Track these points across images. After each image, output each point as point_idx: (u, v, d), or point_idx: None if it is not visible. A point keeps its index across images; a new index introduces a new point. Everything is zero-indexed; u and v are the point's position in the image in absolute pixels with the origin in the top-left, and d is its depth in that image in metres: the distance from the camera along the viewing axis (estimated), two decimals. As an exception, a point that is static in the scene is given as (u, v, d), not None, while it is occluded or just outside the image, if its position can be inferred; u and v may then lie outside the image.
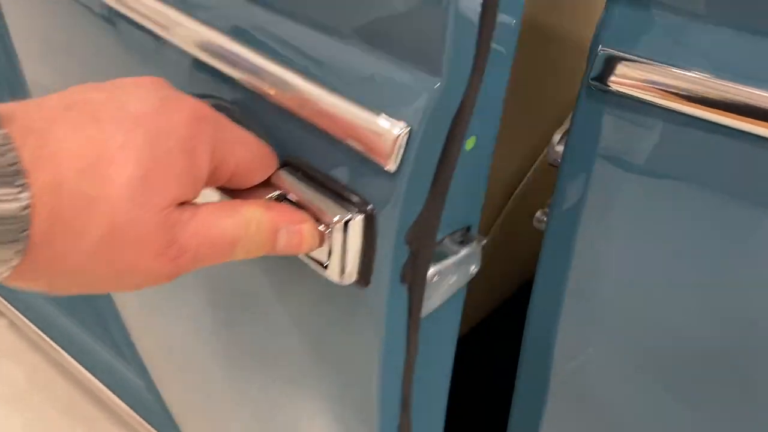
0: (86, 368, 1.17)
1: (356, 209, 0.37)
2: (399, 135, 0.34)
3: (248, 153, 0.37)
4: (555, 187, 0.44)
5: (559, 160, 0.45)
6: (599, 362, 0.47)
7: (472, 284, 0.47)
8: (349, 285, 0.40)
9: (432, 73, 0.33)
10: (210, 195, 0.38)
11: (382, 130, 0.34)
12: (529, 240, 0.75)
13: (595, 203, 0.43)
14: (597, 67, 0.40)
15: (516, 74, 0.39)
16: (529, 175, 0.81)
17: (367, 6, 0.35)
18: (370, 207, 0.37)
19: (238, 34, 0.41)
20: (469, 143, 0.38)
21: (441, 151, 0.36)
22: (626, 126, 0.40)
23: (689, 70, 0.37)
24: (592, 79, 0.40)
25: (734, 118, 0.36)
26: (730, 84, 0.36)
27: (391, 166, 0.34)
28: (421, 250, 0.39)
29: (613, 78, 0.39)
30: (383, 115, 0.34)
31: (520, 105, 0.65)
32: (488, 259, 0.52)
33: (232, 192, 0.38)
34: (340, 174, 0.38)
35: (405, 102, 0.34)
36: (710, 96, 0.36)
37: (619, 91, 0.39)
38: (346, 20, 0.37)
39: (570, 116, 0.57)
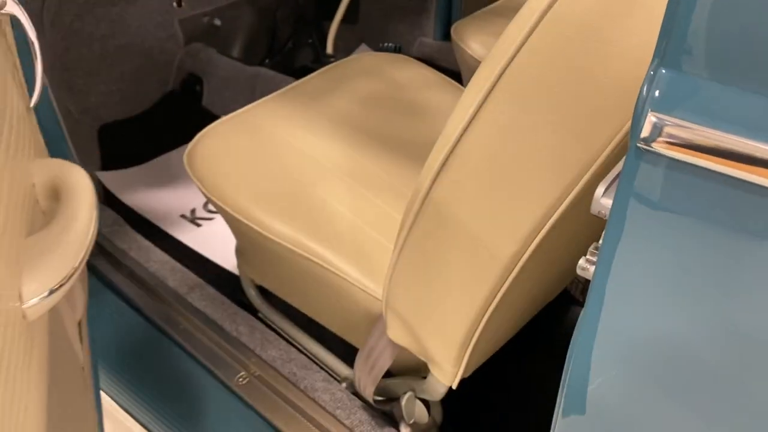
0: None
1: None
2: None
3: None
4: (603, 237, 0.47)
5: (604, 212, 0.48)
6: (647, 408, 0.50)
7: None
8: None
9: None
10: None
11: None
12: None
13: (643, 252, 0.46)
14: (645, 130, 0.43)
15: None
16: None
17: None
18: None
19: None
20: None
21: None
22: (672, 182, 0.43)
23: (731, 133, 0.41)
24: (640, 140, 0.43)
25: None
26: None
27: None
28: None
29: (659, 140, 0.43)
30: None
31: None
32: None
33: None
34: None
35: None
36: (756, 156, 0.40)
37: (665, 152, 0.43)
38: None
39: (600, 162, 0.60)
